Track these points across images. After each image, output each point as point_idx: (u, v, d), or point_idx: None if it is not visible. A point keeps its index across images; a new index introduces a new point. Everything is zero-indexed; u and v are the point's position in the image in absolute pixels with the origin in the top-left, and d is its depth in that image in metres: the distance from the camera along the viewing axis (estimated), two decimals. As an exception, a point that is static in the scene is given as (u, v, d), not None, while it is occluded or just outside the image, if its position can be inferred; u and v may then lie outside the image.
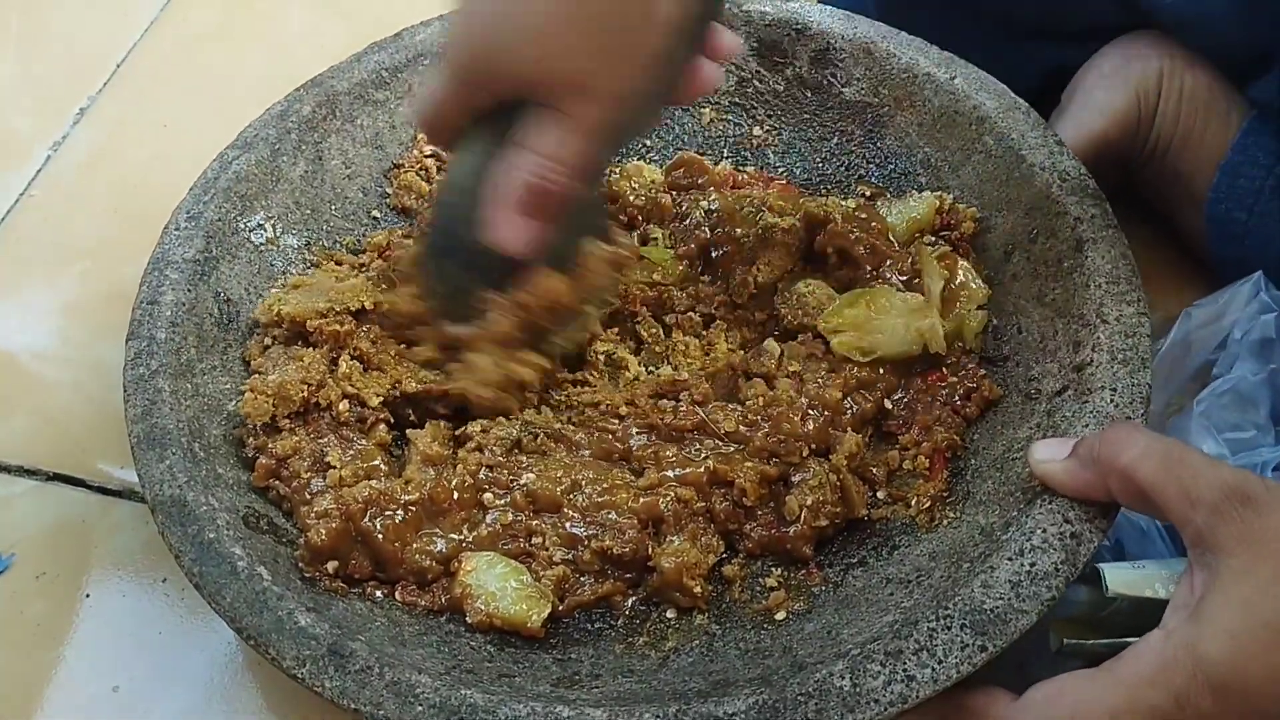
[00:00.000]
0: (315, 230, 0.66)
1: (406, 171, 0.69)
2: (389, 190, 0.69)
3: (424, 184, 0.69)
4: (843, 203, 0.64)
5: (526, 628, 0.50)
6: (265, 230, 0.63)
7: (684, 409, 0.57)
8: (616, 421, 0.57)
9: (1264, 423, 0.57)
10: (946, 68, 0.66)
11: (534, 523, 0.54)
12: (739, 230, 0.62)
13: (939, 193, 0.64)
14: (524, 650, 0.51)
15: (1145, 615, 0.44)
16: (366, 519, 0.52)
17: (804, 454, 0.55)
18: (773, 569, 0.54)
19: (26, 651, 0.57)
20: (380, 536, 0.52)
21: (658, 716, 0.43)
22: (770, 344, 0.60)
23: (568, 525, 0.53)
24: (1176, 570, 0.45)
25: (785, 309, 0.61)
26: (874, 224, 0.62)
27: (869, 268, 0.61)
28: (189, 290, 0.58)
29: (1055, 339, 0.56)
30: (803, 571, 0.54)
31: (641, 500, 0.53)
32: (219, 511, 0.50)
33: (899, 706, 0.43)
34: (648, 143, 0.72)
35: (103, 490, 0.64)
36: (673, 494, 0.54)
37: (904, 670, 0.43)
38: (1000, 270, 0.61)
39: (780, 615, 0.52)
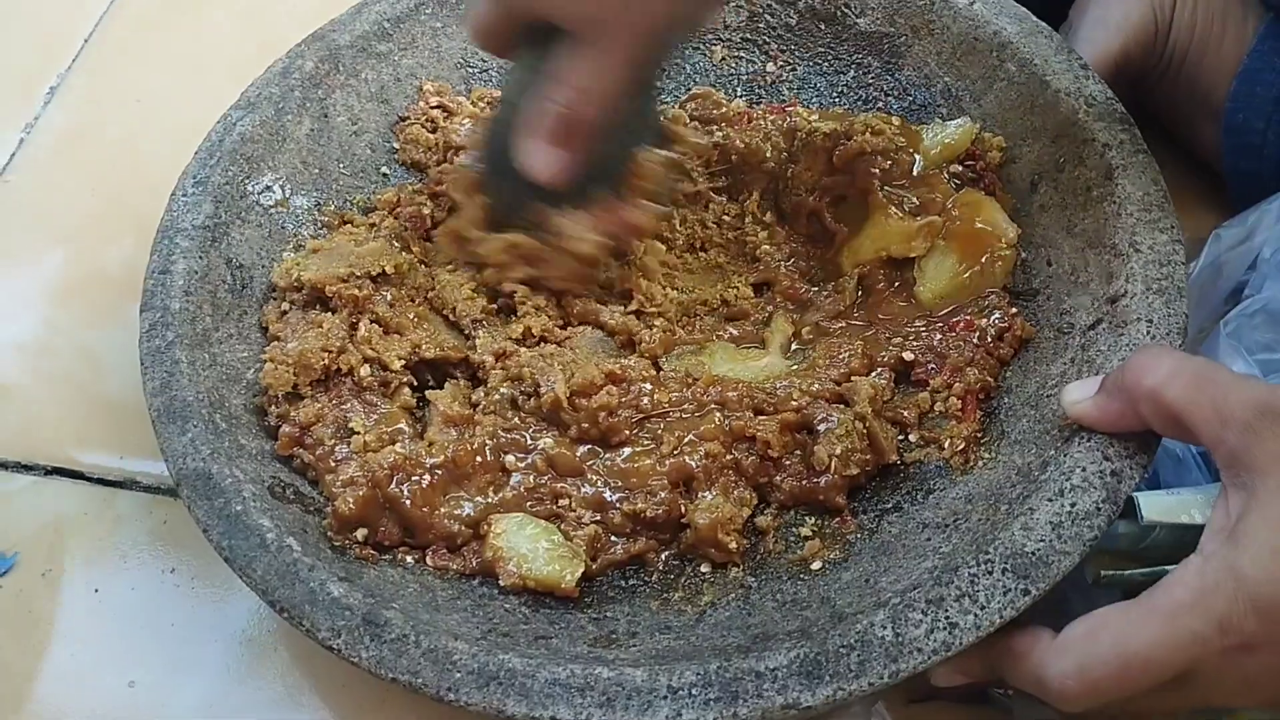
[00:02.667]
0: (325, 190, 0.64)
1: (412, 124, 0.67)
2: (397, 145, 0.67)
3: (430, 136, 0.67)
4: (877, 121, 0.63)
5: (560, 588, 0.50)
6: (274, 192, 0.62)
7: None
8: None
9: (1296, 343, 0.55)
10: (964, -9, 0.64)
11: (559, 485, 0.53)
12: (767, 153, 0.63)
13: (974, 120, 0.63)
14: (559, 611, 0.50)
15: (1184, 543, 0.43)
16: (393, 485, 0.51)
17: (809, 399, 0.54)
18: (806, 518, 0.53)
19: (38, 652, 0.56)
20: (408, 502, 0.51)
21: (699, 674, 0.42)
22: None
23: (594, 489, 0.53)
24: (1213, 494, 0.44)
25: None
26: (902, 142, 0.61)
27: (879, 184, 0.60)
28: (200, 257, 0.57)
29: (1087, 271, 0.54)
30: (837, 520, 0.53)
31: (669, 462, 0.53)
32: (244, 483, 0.50)
33: (942, 654, 0.42)
34: (657, 84, 0.70)
35: (103, 482, 0.62)
36: (700, 450, 0.53)
37: (946, 617, 0.43)
38: (1027, 201, 0.59)
39: (816, 565, 0.51)
